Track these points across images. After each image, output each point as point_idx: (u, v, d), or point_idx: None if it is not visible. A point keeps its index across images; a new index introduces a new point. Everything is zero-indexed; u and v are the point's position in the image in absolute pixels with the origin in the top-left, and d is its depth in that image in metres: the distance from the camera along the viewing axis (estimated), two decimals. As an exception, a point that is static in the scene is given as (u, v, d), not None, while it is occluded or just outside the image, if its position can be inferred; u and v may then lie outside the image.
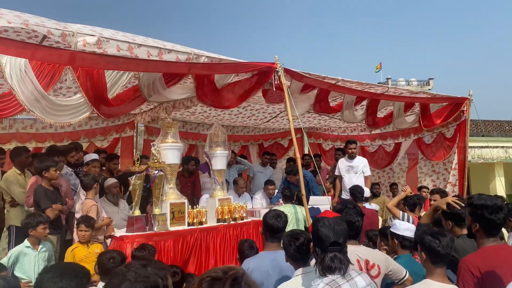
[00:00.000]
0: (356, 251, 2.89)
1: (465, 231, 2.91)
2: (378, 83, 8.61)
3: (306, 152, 10.39)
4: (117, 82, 4.51)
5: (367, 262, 2.93)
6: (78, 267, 2.08)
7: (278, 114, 8.53)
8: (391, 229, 3.58)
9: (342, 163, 7.37)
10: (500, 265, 2.34)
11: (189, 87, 5.42)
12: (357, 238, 3.03)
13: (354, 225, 2.92)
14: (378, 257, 3.08)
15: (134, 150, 8.61)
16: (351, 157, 7.25)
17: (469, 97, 7.93)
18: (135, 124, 8.57)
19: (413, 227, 3.52)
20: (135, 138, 8.69)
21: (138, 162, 4.66)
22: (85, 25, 4.06)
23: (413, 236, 3.41)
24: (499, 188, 11.60)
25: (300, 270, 2.64)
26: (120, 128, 8.39)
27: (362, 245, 3.10)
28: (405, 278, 3.00)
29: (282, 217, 3.32)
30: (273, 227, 3.27)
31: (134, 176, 4.62)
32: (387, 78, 43.25)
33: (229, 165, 7.69)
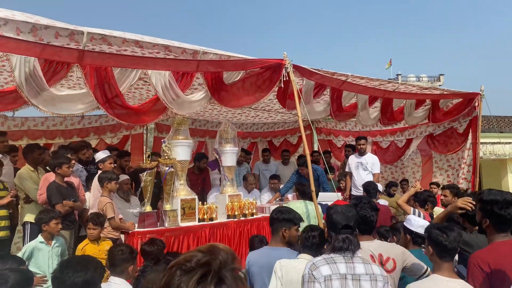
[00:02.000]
0: (368, 247, 2.89)
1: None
2: (388, 79, 8.54)
3: (315, 149, 10.37)
4: (125, 81, 4.52)
5: (380, 256, 2.92)
6: (95, 260, 2.13)
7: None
8: (405, 224, 3.57)
9: (352, 159, 7.35)
10: (509, 260, 2.32)
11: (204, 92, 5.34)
12: (371, 233, 3.03)
13: (369, 220, 2.94)
14: (394, 250, 3.07)
15: (144, 147, 8.68)
16: (361, 153, 7.21)
17: (480, 92, 7.85)
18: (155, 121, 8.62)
19: (416, 223, 3.51)
20: (145, 135, 8.76)
21: (149, 159, 4.70)
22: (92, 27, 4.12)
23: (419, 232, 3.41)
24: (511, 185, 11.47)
25: (304, 256, 3.02)
26: (130, 125, 8.45)
27: (375, 240, 3.09)
28: (426, 274, 2.98)
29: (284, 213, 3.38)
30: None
31: (145, 172, 4.66)
32: (397, 74, 42.92)
33: (239, 163, 7.74)
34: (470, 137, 8.14)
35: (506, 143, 15.52)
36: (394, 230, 4.45)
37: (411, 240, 3.47)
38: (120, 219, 4.82)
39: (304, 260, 3.14)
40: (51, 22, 3.82)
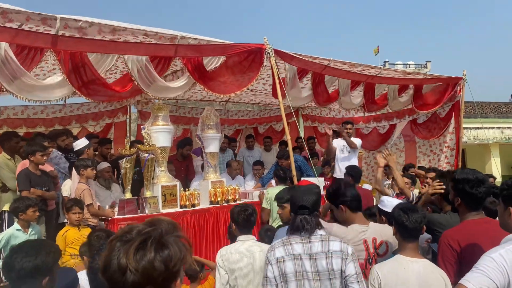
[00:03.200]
0: (362, 231, 2.89)
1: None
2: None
3: (301, 135, 10.39)
4: (101, 66, 4.44)
5: (374, 240, 2.92)
6: (49, 244, 2.07)
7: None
8: (379, 206, 3.57)
9: (337, 143, 7.35)
10: (480, 238, 2.34)
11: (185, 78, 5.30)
12: (359, 210, 3.00)
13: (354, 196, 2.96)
14: (386, 233, 3.07)
15: (128, 135, 8.59)
16: (349, 137, 7.21)
17: (463, 77, 7.90)
18: (128, 109, 8.54)
19: (388, 203, 3.52)
20: (128, 123, 8.67)
21: (128, 145, 4.65)
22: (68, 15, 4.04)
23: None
24: (495, 169, 11.63)
25: (243, 237, 3.14)
26: (112, 113, 8.35)
27: (371, 223, 3.07)
28: None
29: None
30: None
31: (124, 159, 4.61)
32: (385, 62, 42.91)
33: (223, 149, 7.72)
34: (453, 121, 8.19)
35: (489, 128, 15.75)
36: (370, 215, 4.47)
37: (387, 221, 3.48)
38: (99, 206, 4.78)
39: (242, 241, 3.19)
40: (23, 10, 3.74)
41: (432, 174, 5.76)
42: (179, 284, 1.09)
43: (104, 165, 5.45)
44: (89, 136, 6.24)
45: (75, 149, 5.32)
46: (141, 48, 4.58)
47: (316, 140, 9.67)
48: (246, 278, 3.08)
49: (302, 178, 5.75)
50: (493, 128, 15.91)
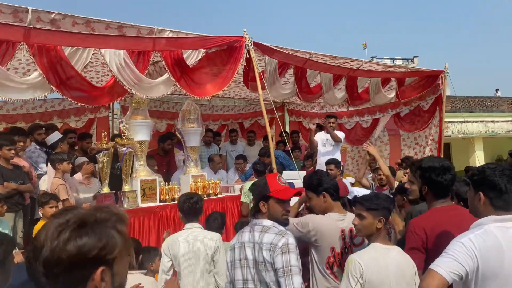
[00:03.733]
0: (339, 219, 2.91)
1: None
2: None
3: (287, 130, 10.40)
4: (78, 61, 4.36)
5: (351, 230, 2.94)
6: (4, 236, 2.02)
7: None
8: (349, 197, 3.60)
9: (320, 136, 7.37)
10: (447, 225, 2.36)
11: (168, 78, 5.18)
12: (338, 199, 3.01)
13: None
14: None
15: (110, 130, 8.52)
16: (328, 132, 7.23)
17: (444, 70, 7.95)
18: (111, 105, 8.45)
19: (358, 193, 3.56)
20: (110, 119, 8.60)
21: (106, 139, 4.61)
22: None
23: None
24: (478, 162, 11.79)
25: (188, 225, 3.28)
26: (94, 108, 8.24)
27: (348, 213, 3.08)
28: None
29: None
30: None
31: (101, 153, 4.57)
32: (372, 57, 43.09)
33: (208, 144, 7.69)
34: (437, 114, 8.26)
35: (473, 121, 15.94)
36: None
37: None
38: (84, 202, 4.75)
39: (187, 229, 3.23)
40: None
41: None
42: (105, 276, 1.04)
43: (82, 159, 5.40)
44: (67, 131, 6.17)
45: (48, 144, 5.25)
46: (118, 41, 4.52)
47: (300, 134, 9.68)
48: (189, 265, 3.14)
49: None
50: (477, 121, 16.11)
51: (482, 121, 16.19)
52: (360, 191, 3.62)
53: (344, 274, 2.44)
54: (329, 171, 5.55)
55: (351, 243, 3.06)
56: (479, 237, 1.90)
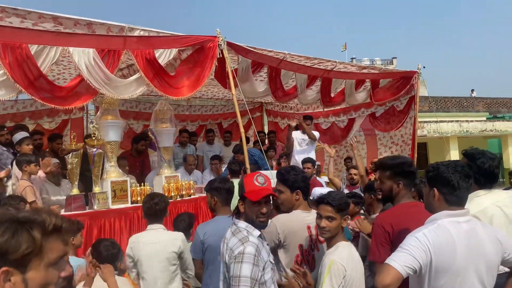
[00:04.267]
0: (305, 217, 2.91)
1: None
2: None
3: (265, 130, 10.40)
4: (45, 60, 4.26)
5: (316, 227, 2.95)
6: None
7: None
8: (310, 198, 3.61)
9: (296, 135, 7.40)
10: (409, 220, 2.41)
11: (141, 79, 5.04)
12: (305, 199, 3.01)
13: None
14: None
15: (85, 131, 8.38)
16: (305, 131, 7.28)
17: (418, 71, 8.07)
18: (85, 105, 8.30)
19: (318, 193, 3.58)
20: (85, 119, 8.45)
21: (75, 140, 4.52)
22: None
23: None
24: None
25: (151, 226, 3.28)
26: (68, 109, 8.01)
27: (312, 210, 3.09)
28: None
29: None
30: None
31: (71, 154, 4.48)
32: (352, 58, 43.56)
33: (184, 144, 7.63)
34: (412, 114, 8.38)
35: (449, 121, 16.26)
36: None
37: None
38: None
39: (149, 230, 3.24)
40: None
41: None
42: (11, 277, 1.03)
43: (53, 161, 5.29)
44: (33, 132, 6.03)
45: (14, 142, 5.12)
46: (88, 39, 4.43)
47: (276, 134, 9.71)
48: (150, 266, 3.12)
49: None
50: (452, 121, 16.44)
51: (457, 121, 16.54)
52: (318, 190, 3.65)
53: (325, 277, 2.41)
54: (306, 169, 5.60)
55: (317, 239, 3.08)
56: (432, 232, 1.96)
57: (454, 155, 12.75)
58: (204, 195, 5.63)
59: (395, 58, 47.33)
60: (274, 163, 7.30)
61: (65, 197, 5.04)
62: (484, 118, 21.19)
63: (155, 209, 3.25)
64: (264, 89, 6.66)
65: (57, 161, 5.30)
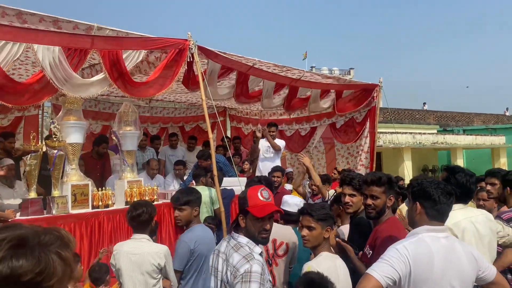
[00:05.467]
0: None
1: None
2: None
3: (228, 135, 10.35)
4: (6, 57, 4.01)
5: (274, 241, 2.94)
6: None
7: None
8: (283, 206, 3.63)
9: (262, 143, 7.42)
10: (403, 231, 2.52)
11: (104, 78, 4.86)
12: None
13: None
14: (285, 233, 3.11)
15: (40, 130, 7.98)
16: (273, 139, 7.31)
17: (379, 83, 8.35)
18: (41, 103, 7.90)
19: (291, 201, 3.63)
20: (40, 118, 8.05)
21: (34, 141, 4.28)
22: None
23: (291, 210, 3.52)
24: (406, 171, 12.51)
25: (135, 235, 3.16)
26: (23, 106, 7.65)
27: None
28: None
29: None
30: None
31: (29, 155, 4.24)
32: (312, 67, 44.46)
33: (143, 148, 7.43)
34: (367, 125, 8.61)
35: (403, 133, 16.91)
36: None
37: (285, 222, 3.53)
38: None
39: (132, 240, 3.19)
40: None
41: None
42: None
43: (8, 161, 5.00)
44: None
45: None
46: (54, 37, 4.22)
47: (241, 140, 9.70)
48: (131, 278, 3.03)
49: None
50: (406, 133, 17.12)
51: (411, 133, 17.24)
52: (292, 200, 3.67)
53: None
54: (275, 178, 5.60)
55: (275, 253, 3.09)
56: (412, 245, 2.04)
57: (408, 165, 13.30)
58: (168, 201, 5.55)
59: (353, 68, 48.91)
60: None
61: (19, 201, 4.79)
62: (435, 131, 22.26)
63: (138, 220, 3.13)
64: (227, 92, 6.62)
65: (12, 162, 5.00)
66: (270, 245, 2.96)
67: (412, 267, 1.98)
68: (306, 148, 9.73)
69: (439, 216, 2.14)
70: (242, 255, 2.16)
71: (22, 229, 0.99)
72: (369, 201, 2.72)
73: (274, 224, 3.03)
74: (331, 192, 5.26)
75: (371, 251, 2.66)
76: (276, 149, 6.97)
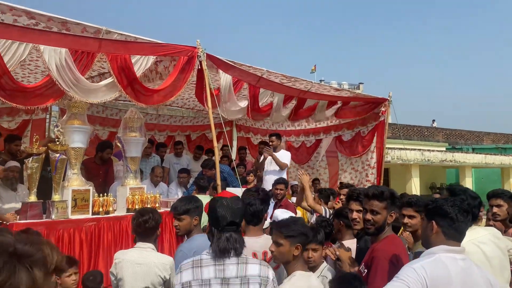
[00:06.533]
0: (253, 243, 2.78)
1: None
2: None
3: (234, 145, 10.28)
4: (13, 57, 3.99)
5: (265, 253, 2.84)
6: None
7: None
8: (273, 220, 3.53)
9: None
10: (404, 251, 2.46)
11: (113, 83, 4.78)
12: (257, 224, 2.92)
13: (251, 209, 2.86)
14: None
15: (46, 134, 7.96)
16: (274, 149, 7.21)
17: (388, 98, 8.24)
18: (49, 106, 7.91)
19: (283, 217, 3.52)
20: (47, 121, 8.04)
21: (37, 143, 4.24)
22: None
23: None
24: (414, 188, 12.32)
25: (139, 244, 3.06)
26: (30, 109, 7.63)
27: (264, 235, 2.99)
28: None
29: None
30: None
31: (31, 158, 4.19)
32: (321, 80, 44.54)
33: (148, 155, 7.37)
34: (375, 140, 8.47)
35: (411, 149, 16.72)
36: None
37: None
38: None
39: (137, 248, 3.09)
40: None
41: (345, 191, 5.87)
42: None
43: (12, 163, 4.96)
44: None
45: None
46: (61, 39, 4.20)
47: (248, 150, 9.60)
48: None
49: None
50: (414, 149, 16.92)
51: (419, 149, 17.04)
52: (282, 215, 3.56)
53: None
54: (278, 191, 5.49)
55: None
56: (430, 265, 1.94)
57: (416, 182, 13.10)
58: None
59: (362, 83, 48.84)
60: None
61: (20, 204, 4.74)
62: (444, 149, 22.00)
63: (144, 227, 3.02)
64: (240, 108, 6.53)
65: (16, 164, 4.96)
66: (260, 257, 2.85)
67: None
68: (311, 160, 9.63)
69: (456, 235, 2.04)
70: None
71: (1, 235, 0.92)
72: (369, 216, 2.58)
73: (266, 236, 2.98)
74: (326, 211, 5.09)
75: (366, 270, 2.54)
76: (283, 168, 6.86)
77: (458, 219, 2.03)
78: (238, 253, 2.20)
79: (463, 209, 2.05)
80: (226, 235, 2.20)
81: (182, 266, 2.24)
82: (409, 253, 3.18)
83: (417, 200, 3.08)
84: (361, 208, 3.01)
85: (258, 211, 2.89)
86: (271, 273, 2.20)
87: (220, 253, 2.18)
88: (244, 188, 5.93)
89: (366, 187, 7.96)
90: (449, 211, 2.03)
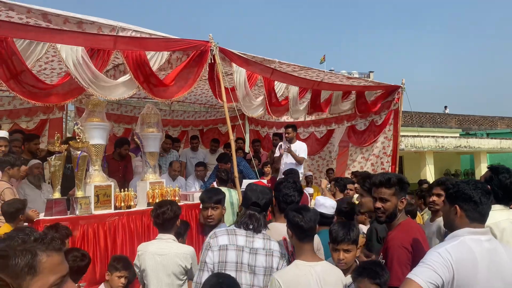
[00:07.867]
0: (282, 229, 2.83)
1: None
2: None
3: (247, 138, 10.32)
4: (30, 55, 4.07)
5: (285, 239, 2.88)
6: None
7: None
8: (315, 207, 3.57)
9: (283, 145, 7.37)
10: (419, 235, 2.43)
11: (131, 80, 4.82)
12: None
13: (289, 199, 2.94)
14: None
15: (64, 133, 8.11)
16: (290, 141, 7.26)
17: (401, 85, 8.19)
18: (65, 106, 8.05)
19: (329, 203, 3.55)
20: (64, 120, 8.19)
21: (59, 142, 4.33)
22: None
23: (328, 212, 3.48)
24: (429, 175, 12.25)
25: (161, 235, 3.22)
26: (47, 109, 7.82)
27: None
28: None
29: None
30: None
31: (54, 156, 4.28)
32: (331, 70, 44.30)
33: (166, 150, 7.47)
34: (387, 128, 8.42)
35: (425, 136, 16.60)
36: None
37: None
38: None
39: (158, 240, 3.18)
40: None
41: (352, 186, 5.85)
42: None
43: (34, 161, 5.09)
44: (14, 131, 5.77)
45: None
46: (77, 37, 4.27)
47: (260, 143, 9.64)
48: (156, 279, 3.00)
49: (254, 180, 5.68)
50: (428, 136, 16.80)
51: (433, 136, 16.91)
52: (329, 203, 3.61)
53: None
54: None
55: (294, 252, 3.03)
56: (455, 248, 1.94)
57: (431, 169, 13.03)
58: (189, 202, 5.54)
59: (372, 72, 48.26)
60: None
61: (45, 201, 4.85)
62: (458, 135, 21.80)
63: (162, 218, 3.10)
64: (260, 103, 6.54)
65: (39, 161, 5.08)
66: (289, 243, 2.91)
67: (456, 272, 1.89)
68: (323, 151, 9.61)
69: (480, 217, 2.04)
70: (278, 243, 2.61)
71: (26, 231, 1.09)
72: (378, 204, 2.55)
73: None
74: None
75: (384, 260, 2.53)
76: (301, 163, 6.90)
77: (482, 202, 2.03)
78: (257, 231, 2.54)
79: (485, 191, 2.05)
80: (250, 212, 2.58)
81: (217, 232, 2.55)
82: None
83: (446, 180, 3.21)
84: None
85: (295, 202, 2.96)
86: (285, 251, 2.62)
87: (243, 225, 2.54)
88: (263, 180, 6.00)
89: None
90: (473, 195, 2.03)
